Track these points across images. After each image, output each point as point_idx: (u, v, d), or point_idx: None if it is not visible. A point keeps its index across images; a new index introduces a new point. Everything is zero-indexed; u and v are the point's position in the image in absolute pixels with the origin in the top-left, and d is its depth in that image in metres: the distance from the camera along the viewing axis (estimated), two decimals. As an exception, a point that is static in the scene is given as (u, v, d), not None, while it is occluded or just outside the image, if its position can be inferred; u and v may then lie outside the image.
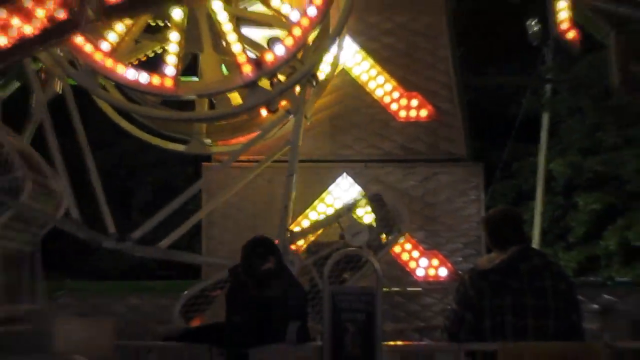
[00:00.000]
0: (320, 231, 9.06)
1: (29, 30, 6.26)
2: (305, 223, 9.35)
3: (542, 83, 12.71)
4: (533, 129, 12.99)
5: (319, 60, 8.71)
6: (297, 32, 8.11)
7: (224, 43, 8.41)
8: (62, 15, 6.32)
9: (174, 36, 8.25)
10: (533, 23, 11.80)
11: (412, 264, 9.28)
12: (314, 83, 8.86)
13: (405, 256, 9.29)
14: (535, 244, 12.57)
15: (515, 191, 15.25)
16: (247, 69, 8.11)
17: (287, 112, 8.71)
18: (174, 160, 12.07)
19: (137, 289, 9.74)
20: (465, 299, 5.91)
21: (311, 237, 9.09)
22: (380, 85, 9.72)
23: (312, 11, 8.09)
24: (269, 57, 8.10)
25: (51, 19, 6.29)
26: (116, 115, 9.39)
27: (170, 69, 8.12)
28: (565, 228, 14.72)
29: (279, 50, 8.10)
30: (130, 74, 8.00)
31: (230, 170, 9.03)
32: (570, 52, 9.99)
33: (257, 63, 8.18)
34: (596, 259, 14.37)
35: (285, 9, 8.45)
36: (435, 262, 9.30)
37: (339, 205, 9.33)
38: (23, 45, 6.38)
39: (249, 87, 8.25)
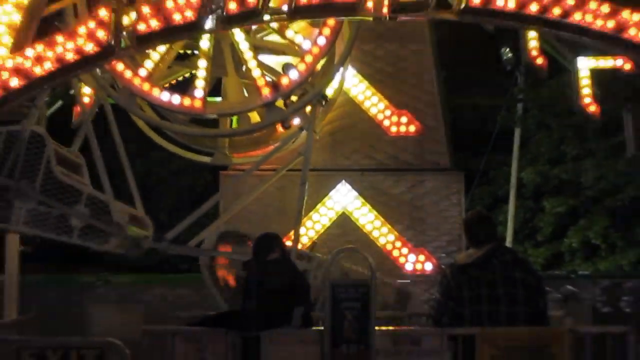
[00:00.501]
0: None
1: (70, 57, 6.30)
2: (309, 224, 9.44)
3: (515, 102, 12.76)
4: (507, 142, 13.00)
5: (326, 84, 8.75)
6: (308, 59, 8.16)
7: (244, 68, 8.48)
8: (99, 44, 6.34)
9: (202, 63, 8.32)
10: (507, 50, 11.81)
11: (402, 259, 9.44)
12: (323, 103, 8.93)
13: (395, 252, 9.43)
14: (508, 241, 12.53)
15: (491, 196, 15.19)
16: (266, 91, 8.19)
17: (300, 128, 8.79)
18: (194, 169, 12.01)
19: (162, 281, 9.82)
20: (447, 289, 5.93)
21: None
22: (374, 104, 9.85)
23: (321, 41, 8.15)
24: (284, 80, 8.18)
25: (90, 47, 6.33)
26: (149, 130, 9.44)
27: (199, 92, 8.18)
28: (534, 228, 14.67)
29: (293, 74, 8.21)
30: (165, 96, 8.06)
31: (246, 178, 9.08)
32: (539, 76, 10.13)
33: (274, 86, 8.28)
34: (561, 255, 14.34)
35: (299, 39, 8.57)
36: (421, 257, 9.44)
37: (338, 208, 9.54)
38: (65, 70, 6.42)
39: (267, 106, 8.32)
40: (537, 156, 14.64)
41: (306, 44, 8.37)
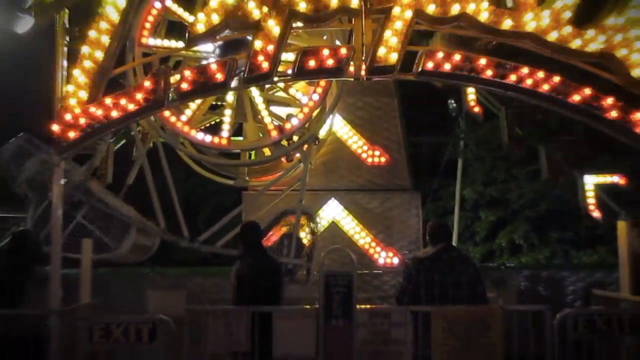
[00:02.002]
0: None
1: (131, 107, 6.24)
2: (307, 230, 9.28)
3: (458, 140, 12.78)
4: (452, 169, 12.99)
5: (319, 127, 8.79)
6: (306, 110, 8.23)
7: (259, 116, 8.58)
8: (153, 98, 6.30)
9: (227, 112, 8.45)
10: (452, 101, 11.84)
11: (376, 256, 9.39)
12: (317, 142, 9.05)
13: (371, 250, 9.40)
14: (454, 242, 12.55)
15: (441, 209, 15.06)
16: (274, 133, 8.24)
17: (300, 161, 8.81)
18: (224, 190, 11.96)
19: (200, 272, 9.64)
20: (408, 276, 6.03)
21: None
22: (355, 142, 9.84)
23: (315, 97, 8.21)
24: (288, 125, 8.24)
25: (145, 100, 6.31)
26: (190, 161, 9.46)
27: (225, 133, 8.29)
28: (473, 232, 14.55)
29: (295, 121, 8.23)
30: (200, 136, 8.11)
31: (262, 197, 9.06)
32: (476, 120, 10.22)
33: (281, 129, 8.28)
34: (493, 252, 14.23)
35: (298, 95, 8.70)
36: (390, 254, 9.38)
37: (329, 218, 9.42)
38: (128, 117, 6.38)
39: (275, 144, 8.43)
40: (475, 179, 14.56)
41: (304, 99, 8.41)
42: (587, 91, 6.18)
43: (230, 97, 8.50)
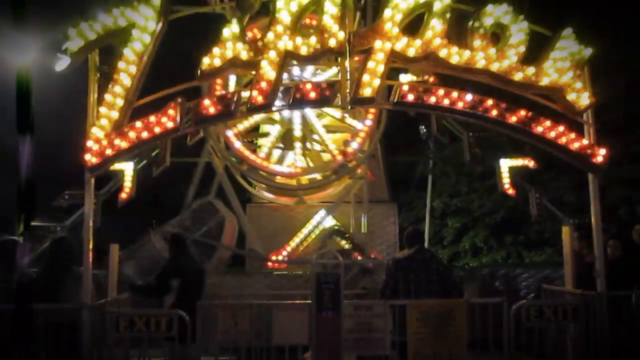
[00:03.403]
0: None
1: (157, 130, 6.03)
2: (302, 235, 9.13)
3: (428, 159, 12.86)
4: (423, 183, 13.06)
5: (372, 148, 8.74)
6: (362, 134, 8.34)
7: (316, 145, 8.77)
8: (169, 124, 6.18)
9: (298, 144, 8.72)
10: (423, 127, 11.92)
11: (359, 257, 9.07)
12: (372, 158, 9.12)
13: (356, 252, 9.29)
14: (426, 245, 12.59)
15: (414, 217, 15.14)
16: (339, 157, 8.33)
17: (359, 177, 8.82)
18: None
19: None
20: (390, 274, 6.01)
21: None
22: None
23: (368, 122, 8.31)
24: (349, 149, 8.38)
25: (162, 125, 6.18)
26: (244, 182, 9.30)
27: (299, 163, 8.58)
28: (441, 237, 14.64)
29: (354, 145, 8.31)
30: (278, 167, 8.53)
31: (263, 208, 8.87)
32: (442, 143, 10.23)
33: (344, 153, 8.30)
34: (458, 253, 14.34)
35: (354, 123, 8.68)
36: (372, 255, 9.23)
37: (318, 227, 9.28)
38: (152, 139, 6.24)
39: (342, 166, 8.42)
40: (442, 192, 14.67)
41: (359, 125, 8.38)
42: (528, 114, 6.20)
43: (275, 129, 8.45)
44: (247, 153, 7.99)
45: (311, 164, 8.82)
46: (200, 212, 7.98)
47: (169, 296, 6.13)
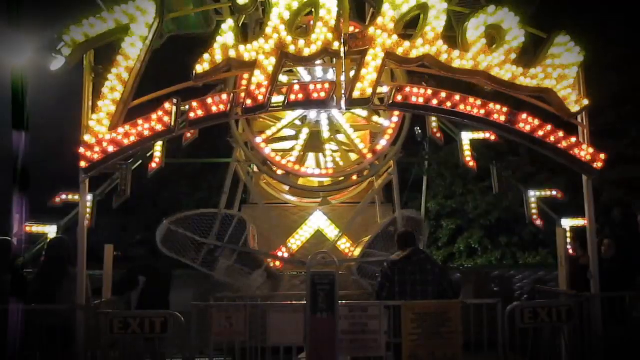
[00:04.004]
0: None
1: (147, 133, 5.99)
2: (297, 236, 8.89)
3: (423, 161, 12.81)
4: (418, 185, 13.03)
5: (399, 145, 8.52)
6: (390, 131, 8.25)
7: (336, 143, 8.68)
8: (165, 125, 6.11)
9: (328, 146, 8.67)
10: (418, 128, 11.90)
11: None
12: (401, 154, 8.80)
13: (350, 254, 9.01)
14: (422, 246, 12.52)
15: (410, 219, 15.18)
16: (369, 156, 8.23)
17: (389, 174, 8.72)
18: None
19: (205, 274, 9.37)
20: (385, 276, 6.02)
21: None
22: None
23: (395, 119, 8.22)
24: (378, 147, 8.29)
25: (156, 126, 6.08)
26: (271, 190, 9.23)
27: (329, 164, 8.45)
28: (436, 238, 14.62)
29: (383, 142, 8.25)
30: (310, 170, 8.38)
31: (258, 208, 8.72)
32: (438, 144, 10.22)
33: (374, 151, 8.26)
34: (453, 254, 14.32)
35: (381, 121, 8.63)
36: None
37: (315, 227, 9.12)
38: (143, 141, 6.08)
39: (371, 164, 8.33)
40: (437, 194, 14.65)
41: (386, 123, 8.34)
42: (534, 120, 6.23)
43: (304, 135, 8.44)
44: (278, 158, 7.99)
45: (341, 164, 8.81)
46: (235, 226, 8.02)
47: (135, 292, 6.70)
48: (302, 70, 8.58)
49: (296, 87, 6.17)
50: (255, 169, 9.03)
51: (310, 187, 8.81)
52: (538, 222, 8.94)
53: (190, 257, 7.83)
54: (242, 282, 7.94)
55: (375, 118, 8.73)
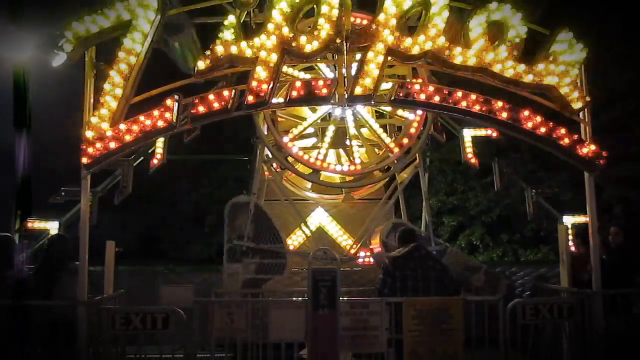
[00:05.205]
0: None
1: (149, 129, 5.99)
2: (299, 232, 8.87)
3: (425, 157, 12.83)
4: (419, 182, 13.04)
5: (424, 139, 8.45)
6: (415, 124, 8.21)
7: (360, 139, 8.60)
8: (167, 121, 6.05)
9: (356, 142, 8.58)
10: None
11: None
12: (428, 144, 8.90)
13: (352, 250, 8.95)
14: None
15: (411, 216, 15.15)
16: (396, 150, 8.19)
17: (415, 167, 8.68)
18: (227, 199, 11.72)
19: (206, 270, 9.51)
20: (387, 272, 6.06)
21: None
22: None
23: (419, 112, 8.12)
24: (405, 141, 8.21)
25: (158, 123, 6.04)
26: (293, 187, 9.16)
27: (357, 160, 8.36)
28: (438, 235, 14.63)
29: (409, 136, 8.19)
30: (338, 167, 8.25)
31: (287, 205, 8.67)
32: (439, 141, 10.20)
33: (400, 145, 8.22)
34: (454, 252, 14.33)
35: (406, 115, 8.54)
36: (368, 254, 8.99)
37: (317, 224, 9.12)
38: (145, 137, 6.05)
39: (399, 158, 8.28)
40: (439, 190, 14.63)
41: (411, 116, 8.30)
42: (536, 117, 6.23)
43: (330, 132, 8.39)
44: (306, 157, 7.98)
45: (365, 160, 8.75)
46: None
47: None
48: (324, 67, 8.48)
49: (298, 84, 6.17)
50: (278, 168, 8.96)
51: (334, 183, 8.75)
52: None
53: None
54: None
55: (400, 112, 8.65)
